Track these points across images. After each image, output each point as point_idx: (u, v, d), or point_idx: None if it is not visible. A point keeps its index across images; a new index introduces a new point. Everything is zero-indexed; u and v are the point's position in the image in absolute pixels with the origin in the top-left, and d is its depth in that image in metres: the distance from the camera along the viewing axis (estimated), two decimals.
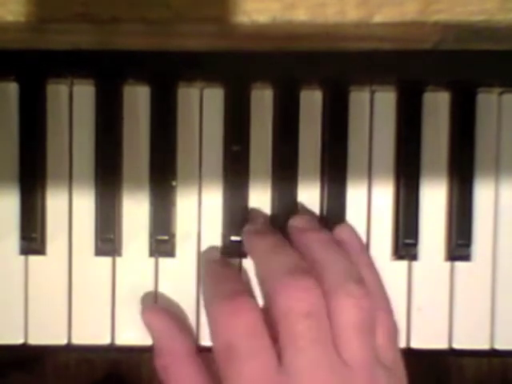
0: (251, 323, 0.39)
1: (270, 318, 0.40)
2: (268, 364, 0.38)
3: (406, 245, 0.46)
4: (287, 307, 0.39)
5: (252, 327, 0.39)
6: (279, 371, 0.38)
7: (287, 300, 0.39)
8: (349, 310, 0.39)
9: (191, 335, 0.46)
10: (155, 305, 0.46)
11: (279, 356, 0.39)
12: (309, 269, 0.40)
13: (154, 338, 0.45)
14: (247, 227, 0.45)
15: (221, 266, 0.45)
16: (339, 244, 0.44)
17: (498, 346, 0.47)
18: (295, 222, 0.45)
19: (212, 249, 0.46)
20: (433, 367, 0.50)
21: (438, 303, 0.47)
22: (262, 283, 0.44)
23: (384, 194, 0.47)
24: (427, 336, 0.47)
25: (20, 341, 0.46)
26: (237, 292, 0.41)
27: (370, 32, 0.46)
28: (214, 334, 0.41)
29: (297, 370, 0.38)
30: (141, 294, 0.46)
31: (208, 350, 0.46)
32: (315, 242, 0.43)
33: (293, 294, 0.39)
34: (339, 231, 0.45)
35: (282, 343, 0.39)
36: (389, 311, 0.43)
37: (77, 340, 0.46)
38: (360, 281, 0.40)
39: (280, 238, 0.44)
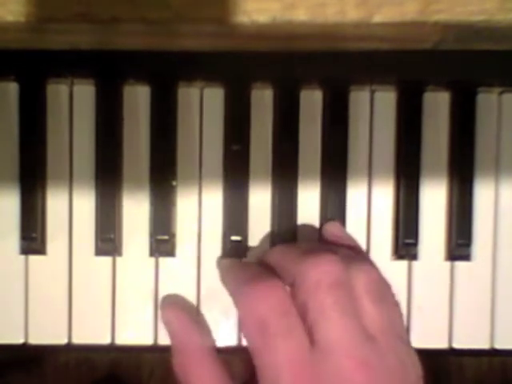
0: (282, 301, 0.39)
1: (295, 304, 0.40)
2: (301, 344, 0.38)
3: (406, 245, 0.46)
4: (316, 281, 0.39)
5: (283, 305, 0.39)
6: (312, 351, 0.38)
7: (315, 273, 0.39)
8: (361, 280, 0.40)
9: (209, 334, 0.46)
10: (174, 303, 0.46)
11: (310, 334, 0.39)
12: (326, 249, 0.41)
13: (171, 336, 0.45)
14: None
15: (239, 263, 0.45)
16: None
17: (498, 346, 0.47)
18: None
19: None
20: (433, 367, 0.50)
21: (438, 303, 0.47)
22: (280, 271, 0.43)
23: (384, 193, 0.47)
24: (427, 336, 0.47)
25: (20, 341, 0.46)
26: (263, 274, 0.41)
27: (370, 32, 0.46)
28: (245, 318, 0.40)
29: (330, 344, 0.38)
30: (141, 293, 0.46)
31: None
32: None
33: (321, 268, 0.39)
34: (329, 227, 0.46)
35: (312, 319, 0.39)
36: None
37: (77, 340, 0.46)
38: (364, 258, 0.43)
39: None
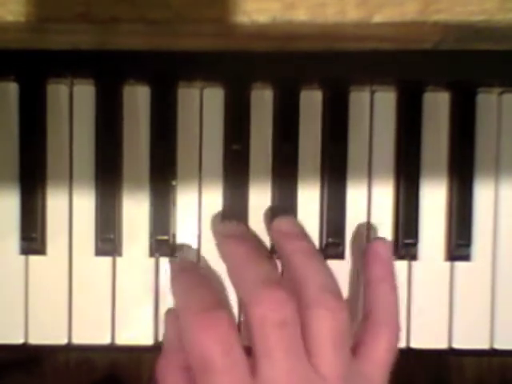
0: (225, 338, 0.39)
1: (246, 326, 0.40)
2: (241, 378, 0.38)
3: (406, 245, 0.46)
4: (260, 318, 0.39)
5: (226, 342, 0.39)
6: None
7: (260, 311, 0.39)
8: (324, 322, 0.39)
9: None
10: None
11: (253, 368, 0.39)
12: (283, 280, 0.41)
13: (164, 339, 0.45)
14: (221, 228, 0.45)
15: (192, 275, 0.44)
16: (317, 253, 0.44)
17: (498, 346, 0.47)
18: (281, 226, 0.45)
19: (181, 254, 0.46)
20: (433, 367, 0.50)
21: (438, 303, 0.47)
22: (236, 290, 0.44)
23: (384, 193, 0.47)
24: (427, 336, 0.47)
25: (20, 341, 0.46)
26: (210, 304, 0.40)
27: (370, 32, 0.46)
28: (188, 345, 0.40)
29: (270, 382, 0.38)
30: (141, 294, 0.46)
31: None
32: (297, 252, 0.43)
33: (266, 305, 0.39)
34: (278, 223, 0.45)
35: (255, 354, 0.39)
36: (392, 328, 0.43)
37: (77, 340, 0.46)
38: (337, 294, 0.41)
39: (255, 246, 0.44)
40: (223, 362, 0.38)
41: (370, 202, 0.47)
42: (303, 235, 0.44)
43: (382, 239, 0.46)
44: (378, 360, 0.42)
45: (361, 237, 0.47)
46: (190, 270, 0.45)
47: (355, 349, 0.42)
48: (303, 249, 0.43)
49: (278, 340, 0.38)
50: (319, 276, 0.41)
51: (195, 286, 0.42)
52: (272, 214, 0.46)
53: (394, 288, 0.44)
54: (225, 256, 0.45)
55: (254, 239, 0.45)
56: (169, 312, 0.46)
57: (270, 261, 0.43)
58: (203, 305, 0.40)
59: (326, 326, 0.39)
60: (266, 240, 0.47)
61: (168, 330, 0.45)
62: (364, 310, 0.44)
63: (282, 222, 0.45)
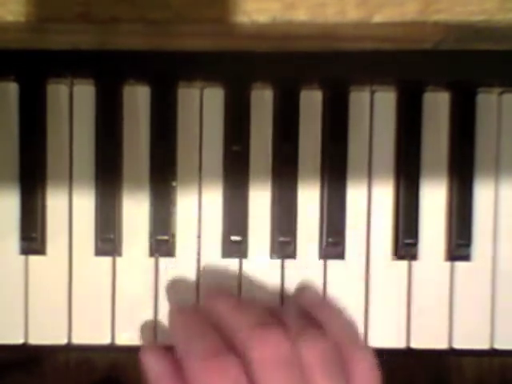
0: (236, 380, 0.39)
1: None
2: None
3: (406, 245, 0.46)
4: (263, 358, 0.40)
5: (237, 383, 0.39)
6: None
7: (262, 352, 0.40)
8: (312, 352, 0.40)
9: None
10: (154, 346, 0.45)
11: None
12: (276, 322, 0.41)
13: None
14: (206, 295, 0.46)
15: (194, 320, 0.44)
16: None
17: (498, 346, 0.47)
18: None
19: (179, 300, 0.46)
20: (433, 367, 0.50)
21: (438, 303, 0.47)
22: (230, 337, 0.43)
23: (384, 193, 0.47)
24: (427, 336, 0.47)
25: (20, 341, 0.46)
26: (218, 350, 0.40)
27: (370, 32, 0.46)
28: None
29: None
30: (141, 293, 0.46)
31: None
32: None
33: (265, 348, 0.40)
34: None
35: None
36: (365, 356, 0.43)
37: (77, 340, 0.46)
38: (317, 328, 0.42)
39: (239, 301, 0.44)
40: None
41: (370, 202, 0.47)
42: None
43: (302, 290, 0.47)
44: (369, 380, 0.42)
45: (361, 237, 0.47)
46: (191, 316, 0.44)
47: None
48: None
49: (280, 378, 0.39)
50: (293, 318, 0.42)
51: (199, 332, 0.43)
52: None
53: (338, 315, 0.44)
54: (212, 313, 0.44)
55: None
56: (146, 350, 0.44)
57: (258, 309, 0.43)
58: (211, 350, 0.40)
59: (312, 354, 0.40)
60: (267, 240, 0.47)
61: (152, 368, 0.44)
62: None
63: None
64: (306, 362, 0.40)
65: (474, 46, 0.46)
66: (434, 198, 0.47)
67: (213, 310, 0.43)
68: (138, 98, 0.46)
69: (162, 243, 0.46)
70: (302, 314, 0.43)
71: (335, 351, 0.41)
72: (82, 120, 0.46)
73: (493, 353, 0.47)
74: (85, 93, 0.46)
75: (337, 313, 0.45)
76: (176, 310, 0.46)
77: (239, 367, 0.40)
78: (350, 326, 0.44)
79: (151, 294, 0.46)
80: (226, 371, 0.39)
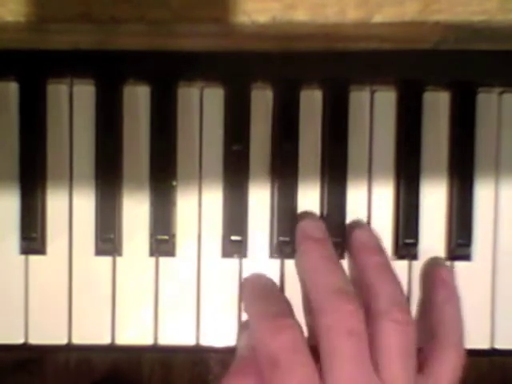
0: (292, 339, 0.40)
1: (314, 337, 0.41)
2: (308, 379, 0.39)
3: (406, 245, 0.46)
4: (329, 325, 0.40)
5: (293, 343, 0.40)
6: None
7: (329, 320, 0.40)
8: (392, 335, 0.40)
9: None
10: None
11: (320, 374, 0.40)
12: (355, 292, 0.41)
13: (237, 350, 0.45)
14: (302, 226, 0.45)
15: (265, 287, 0.46)
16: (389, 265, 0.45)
17: (498, 346, 0.47)
18: (362, 238, 0.45)
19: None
20: None
21: None
22: (307, 293, 0.44)
23: (384, 194, 0.47)
24: None
25: (20, 341, 0.46)
26: (281, 313, 0.42)
27: (370, 32, 0.46)
28: (257, 348, 0.41)
29: None
30: (141, 293, 0.46)
31: (207, 350, 0.46)
32: (373, 267, 0.44)
33: (336, 316, 0.40)
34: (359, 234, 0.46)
35: (322, 360, 0.40)
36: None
37: (77, 340, 0.46)
38: (405, 307, 0.42)
39: (331, 251, 0.44)
40: (290, 361, 0.39)
41: (370, 202, 0.47)
42: (380, 249, 0.45)
43: (447, 267, 0.46)
44: (444, 379, 0.43)
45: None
46: (261, 281, 0.46)
47: (421, 367, 0.43)
48: (379, 263, 0.44)
49: (344, 349, 0.39)
50: (390, 290, 0.43)
51: (266, 295, 0.44)
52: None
53: (458, 310, 0.45)
54: (300, 256, 0.45)
55: (330, 243, 0.45)
56: (243, 325, 0.46)
57: (342, 268, 0.44)
58: (273, 313, 0.41)
59: (394, 338, 0.40)
60: (266, 240, 0.47)
61: (240, 341, 0.46)
62: (431, 330, 0.44)
63: (363, 234, 0.46)
64: (385, 342, 0.40)
65: (474, 46, 0.46)
66: (434, 197, 0.47)
67: (301, 253, 0.44)
68: (138, 98, 0.46)
69: (162, 243, 0.46)
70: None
71: (414, 338, 0.41)
72: (81, 120, 0.46)
73: (493, 353, 0.47)
74: (85, 93, 0.46)
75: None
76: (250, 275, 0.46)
77: (298, 330, 0.41)
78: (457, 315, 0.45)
79: (151, 294, 0.46)
80: (287, 331, 0.40)
